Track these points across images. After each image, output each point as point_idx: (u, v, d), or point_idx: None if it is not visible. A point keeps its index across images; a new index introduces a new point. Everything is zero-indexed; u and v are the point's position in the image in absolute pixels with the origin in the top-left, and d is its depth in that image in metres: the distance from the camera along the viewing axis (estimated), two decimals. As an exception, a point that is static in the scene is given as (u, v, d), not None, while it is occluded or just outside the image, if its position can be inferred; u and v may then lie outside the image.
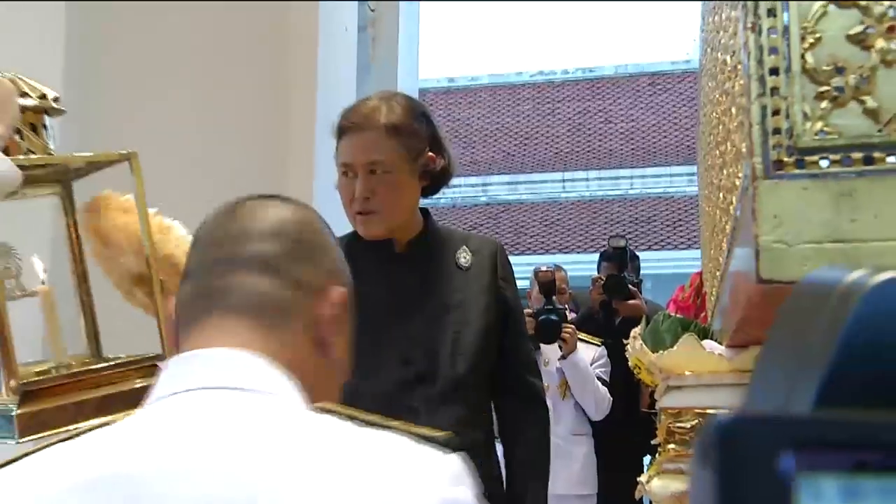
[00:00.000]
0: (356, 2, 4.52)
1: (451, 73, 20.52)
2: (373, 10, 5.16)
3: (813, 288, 0.47)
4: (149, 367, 1.43)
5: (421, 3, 5.74)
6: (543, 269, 4.05)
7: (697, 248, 2.74)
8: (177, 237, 1.50)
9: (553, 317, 3.75)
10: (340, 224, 1.97)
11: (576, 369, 3.82)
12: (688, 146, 14.96)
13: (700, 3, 2.10)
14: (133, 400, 1.38)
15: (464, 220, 15.54)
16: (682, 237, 14.16)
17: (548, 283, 3.87)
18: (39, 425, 1.30)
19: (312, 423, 0.79)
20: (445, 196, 16.55)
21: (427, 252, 1.94)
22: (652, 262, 12.53)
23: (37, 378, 1.37)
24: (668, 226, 14.78)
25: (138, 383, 1.40)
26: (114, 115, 3.51)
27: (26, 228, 1.54)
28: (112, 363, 1.45)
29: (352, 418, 0.81)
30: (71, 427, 1.30)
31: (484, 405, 1.98)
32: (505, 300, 1.95)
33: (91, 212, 1.47)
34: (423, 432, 0.79)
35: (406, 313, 1.88)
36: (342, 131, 1.90)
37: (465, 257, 1.94)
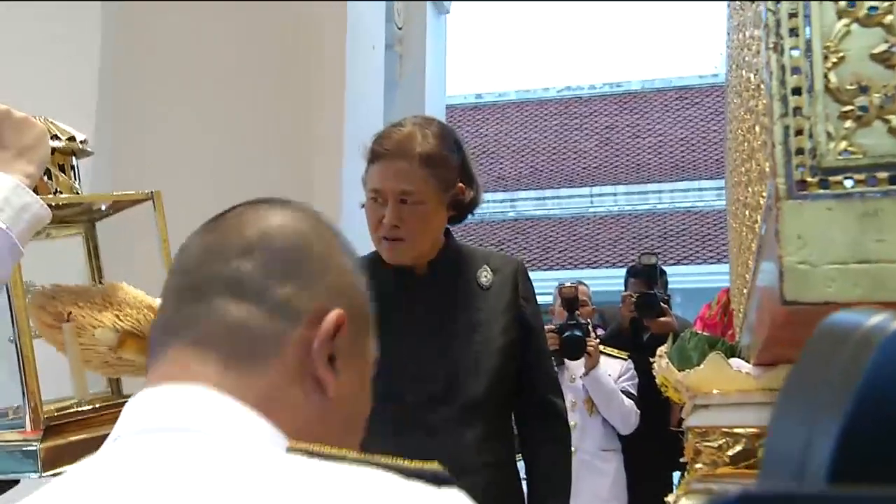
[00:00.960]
0: (384, 20, 4.55)
1: (479, 90, 20.54)
2: (400, 29, 5.19)
3: (832, 332, 0.47)
4: None
5: (448, 20, 5.77)
6: (567, 284, 4.04)
7: (727, 263, 2.72)
8: (125, 288, 1.51)
9: (577, 332, 3.75)
10: (366, 245, 1.98)
11: (598, 384, 3.80)
12: (716, 160, 14.88)
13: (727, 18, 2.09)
14: None
15: (492, 236, 15.53)
16: (711, 252, 14.07)
17: (570, 298, 3.87)
18: (62, 460, 1.31)
19: (272, 466, 0.65)
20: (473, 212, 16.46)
21: (447, 272, 1.94)
22: (681, 277, 12.44)
23: (59, 413, 1.37)
24: (697, 240, 14.69)
25: None
26: (144, 139, 3.55)
27: (57, 267, 1.56)
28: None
29: (327, 457, 0.66)
30: None
31: (505, 424, 1.97)
32: (525, 319, 1.95)
33: (43, 308, 1.45)
34: (411, 467, 0.67)
35: (426, 334, 1.88)
36: (375, 156, 1.89)
37: (485, 276, 1.94)
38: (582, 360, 3.89)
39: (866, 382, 0.42)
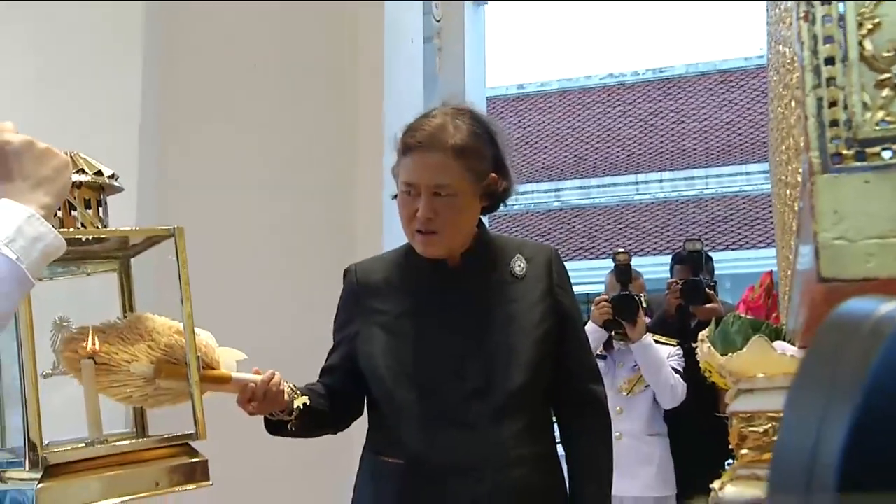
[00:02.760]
0: (421, 13, 4.54)
1: (521, 80, 20.50)
2: (438, 21, 5.17)
3: (842, 321, 0.45)
4: (180, 446, 1.42)
5: (486, 10, 5.74)
6: (620, 251, 3.99)
7: (776, 247, 2.67)
8: (151, 317, 1.50)
9: (632, 297, 3.74)
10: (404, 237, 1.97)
11: (647, 352, 3.74)
12: (763, 143, 14.66)
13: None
14: (159, 478, 1.39)
15: (537, 226, 15.48)
16: (759, 236, 13.88)
17: (624, 267, 3.83)
18: (61, 501, 1.29)
19: None
20: (519, 202, 16.52)
21: (480, 263, 1.91)
22: (730, 262, 12.31)
23: (56, 452, 1.34)
24: (745, 225, 14.50)
25: (168, 463, 1.40)
26: (189, 142, 3.58)
27: (97, 303, 1.56)
28: (142, 442, 1.44)
29: None
30: None
31: (544, 416, 1.93)
32: (562, 307, 1.91)
33: (77, 345, 1.44)
34: None
35: (461, 327, 1.86)
36: (406, 148, 1.86)
37: (519, 266, 1.91)
38: (627, 347, 3.86)
39: (876, 374, 0.41)
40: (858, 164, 0.81)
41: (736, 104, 17.05)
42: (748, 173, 15.33)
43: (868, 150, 0.81)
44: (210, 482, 1.42)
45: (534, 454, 1.84)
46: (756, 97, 16.46)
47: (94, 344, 1.43)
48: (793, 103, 0.99)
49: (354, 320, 1.93)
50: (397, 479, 1.83)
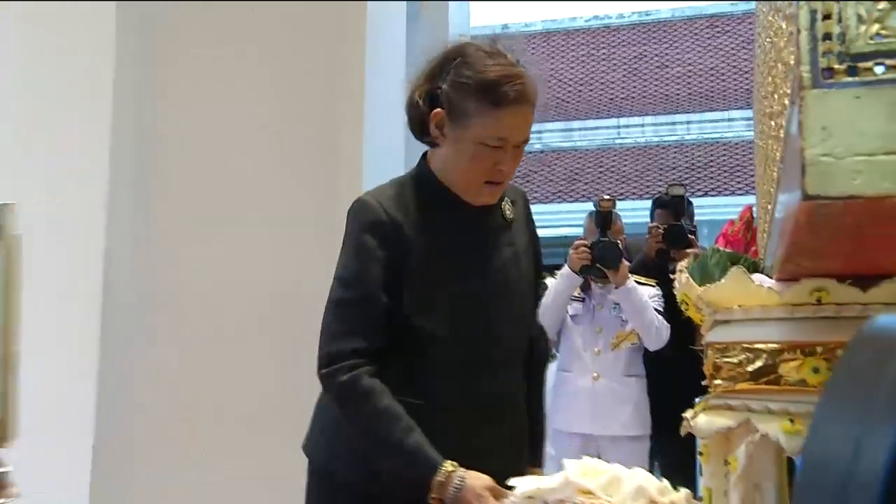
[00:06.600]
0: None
1: (505, 20, 20.28)
2: (422, -44, 5.06)
3: (880, 335, 0.43)
4: None
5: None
6: (605, 197, 3.99)
7: (755, 195, 2.67)
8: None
9: (611, 242, 3.77)
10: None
11: (630, 296, 3.76)
12: (747, 90, 14.62)
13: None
14: None
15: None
16: (739, 183, 13.91)
17: (606, 213, 3.84)
18: None
19: None
20: (499, 144, 16.33)
21: (486, 206, 1.86)
22: (708, 209, 12.34)
23: None
24: (725, 171, 14.52)
25: None
26: (177, 77, 3.52)
27: None
28: None
29: None
30: None
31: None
32: (537, 250, 1.97)
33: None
34: None
35: (478, 270, 1.83)
36: (502, 101, 1.76)
37: (508, 209, 1.90)
38: (606, 289, 3.87)
39: None
40: (850, 79, 0.79)
41: (721, 50, 16.95)
42: (730, 119, 15.31)
43: (860, 64, 0.79)
44: (18, 492, 1.30)
45: (523, 400, 1.92)
46: (741, 43, 16.37)
47: None
48: (783, 24, 0.96)
49: (392, 262, 1.75)
50: (418, 420, 1.76)
